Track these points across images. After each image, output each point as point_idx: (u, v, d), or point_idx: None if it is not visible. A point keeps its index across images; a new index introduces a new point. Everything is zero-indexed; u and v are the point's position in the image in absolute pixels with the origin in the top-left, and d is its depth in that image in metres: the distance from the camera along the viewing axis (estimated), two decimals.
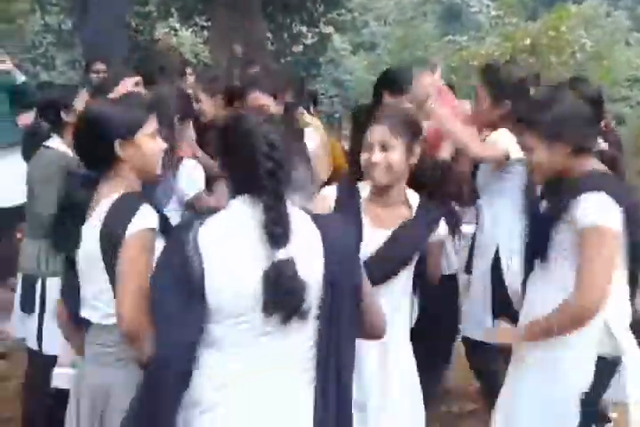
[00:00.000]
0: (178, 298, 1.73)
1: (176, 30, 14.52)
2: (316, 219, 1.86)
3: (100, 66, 5.50)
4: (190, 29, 14.30)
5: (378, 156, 2.49)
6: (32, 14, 14.23)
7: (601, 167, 2.42)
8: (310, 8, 12.55)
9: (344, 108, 16.16)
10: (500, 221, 3.19)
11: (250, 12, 10.34)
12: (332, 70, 17.71)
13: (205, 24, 12.79)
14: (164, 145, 2.20)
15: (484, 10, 18.65)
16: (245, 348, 1.77)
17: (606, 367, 2.30)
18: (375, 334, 2.03)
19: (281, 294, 1.74)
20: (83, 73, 4.36)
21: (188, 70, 5.11)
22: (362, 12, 19.72)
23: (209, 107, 3.69)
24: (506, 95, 3.14)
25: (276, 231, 1.76)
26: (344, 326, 1.83)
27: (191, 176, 3.04)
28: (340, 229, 1.88)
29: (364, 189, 2.61)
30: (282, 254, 1.76)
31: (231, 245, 1.78)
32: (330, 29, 13.51)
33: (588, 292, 2.24)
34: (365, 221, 2.52)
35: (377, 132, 2.52)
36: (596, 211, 2.26)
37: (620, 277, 2.36)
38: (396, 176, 2.50)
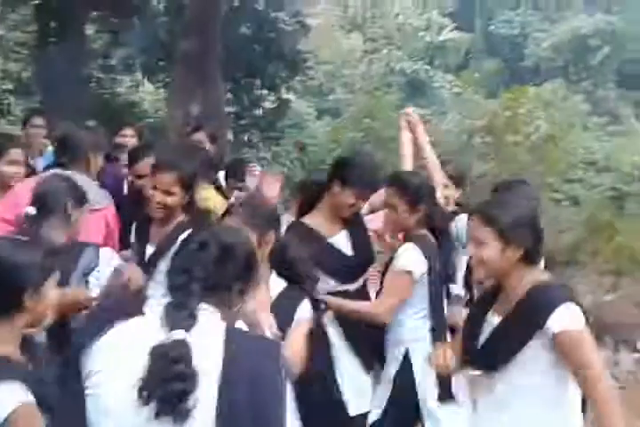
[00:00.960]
0: None
1: (138, 85, 14.47)
2: (231, 332, 1.73)
3: (128, 131, 5.23)
4: (153, 85, 14.30)
5: None
6: None
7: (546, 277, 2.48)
8: (272, 73, 12.64)
9: (305, 171, 16.16)
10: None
11: (210, 73, 10.33)
12: (296, 134, 17.76)
13: (168, 80, 12.79)
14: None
15: (446, 85, 18.99)
16: None
17: None
18: None
19: (164, 378, 1.56)
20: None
21: (129, 131, 4.99)
22: (329, 79, 20.00)
23: None
24: (420, 201, 3.32)
25: (178, 315, 1.64)
26: None
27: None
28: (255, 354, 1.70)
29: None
30: (178, 335, 1.61)
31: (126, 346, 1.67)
32: (291, 95, 13.58)
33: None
34: None
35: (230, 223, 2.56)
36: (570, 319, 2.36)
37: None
38: None
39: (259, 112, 13.16)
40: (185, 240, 2.62)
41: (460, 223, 4.13)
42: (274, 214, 2.71)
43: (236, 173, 4.89)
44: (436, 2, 26.41)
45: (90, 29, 13.17)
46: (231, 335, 1.71)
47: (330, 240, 3.45)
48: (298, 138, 17.50)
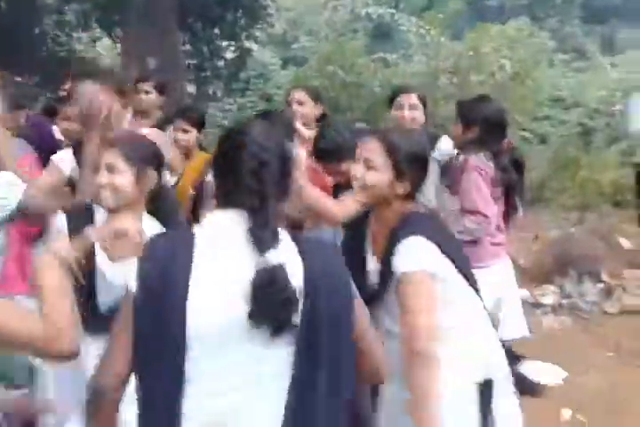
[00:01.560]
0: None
1: (94, 40, 14.15)
2: (295, 237, 1.76)
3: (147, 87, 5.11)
4: (111, 40, 13.98)
5: (104, 178, 2.50)
6: None
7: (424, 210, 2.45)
8: (231, 22, 12.39)
9: None
10: None
11: (165, 24, 10.12)
12: (262, 85, 17.55)
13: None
14: None
15: (412, 29, 18.71)
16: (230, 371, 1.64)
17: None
18: (375, 378, 1.90)
19: (273, 304, 1.61)
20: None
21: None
22: (292, 27, 19.66)
23: None
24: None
25: (264, 235, 1.65)
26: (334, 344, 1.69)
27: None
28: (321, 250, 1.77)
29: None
30: (272, 260, 1.63)
31: (215, 258, 1.67)
32: (252, 44, 13.36)
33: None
34: None
35: (107, 156, 2.50)
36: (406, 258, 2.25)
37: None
38: (124, 201, 2.50)
39: (220, 63, 12.93)
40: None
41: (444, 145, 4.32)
42: (155, 153, 2.62)
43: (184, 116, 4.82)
44: None
45: None
46: (301, 245, 1.74)
47: None
48: (263, 88, 17.33)
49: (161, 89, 5.13)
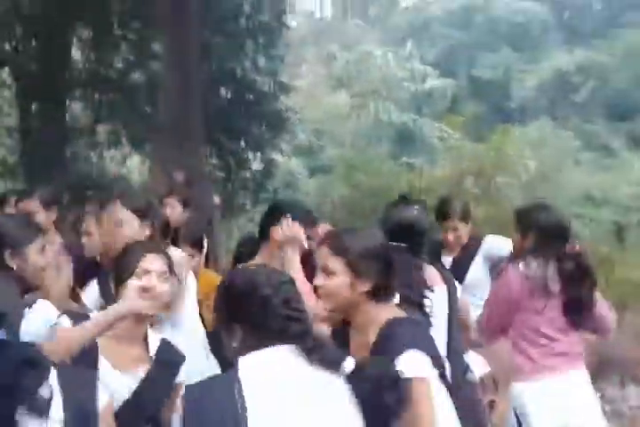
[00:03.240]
0: None
1: (124, 158, 14.57)
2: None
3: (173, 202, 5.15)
4: (140, 157, 14.39)
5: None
6: None
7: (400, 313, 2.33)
8: (256, 134, 12.72)
9: None
10: None
11: (191, 140, 10.34)
12: (290, 193, 17.84)
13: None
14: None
15: (435, 133, 19.11)
16: None
17: None
18: None
19: None
20: None
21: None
22: (318, 137, 20.17)
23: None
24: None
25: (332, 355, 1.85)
26: None
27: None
28: None
29: None
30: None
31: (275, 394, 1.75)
32: (277, 155, 13.64)
33: None
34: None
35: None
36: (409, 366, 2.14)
37: None
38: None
39: (247, 174, 13.18)
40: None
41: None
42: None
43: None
44: (417, 52, 26.89)
45: (74, 106, 13.37)
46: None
47: None
48: (291, 197, 17.56)
49: (185, 203, 5.12)
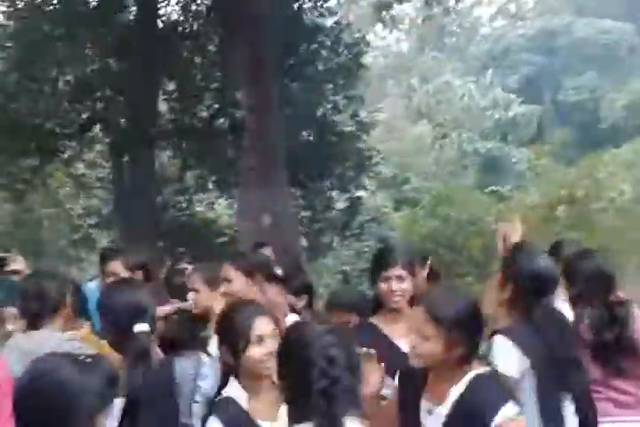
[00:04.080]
0: None
1: (212, 202, 14.88)
2: None
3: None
4: (227, 201, 14.67)
5: None
6: (75, 198, 14.91)
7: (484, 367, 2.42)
8: (339, 174, 12.77)
9: None
10: None
11: (276, 183, 10.46)
12: (375, 228, 17.74)
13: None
14: None
15: (523, 160, 18.72)
16: None
17: None
18: None
19: None
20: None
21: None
22: (402, 169, 20.07)
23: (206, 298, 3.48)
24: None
25: None
26: None
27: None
28: None
29: None
30: None
31: None
32: (361, 191, 13.62)
33: None
34: None
35: None
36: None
37: None
38: None
39: (332, 214, 13.22)
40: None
41: None
42: None
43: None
44: (499, 80, 26.59)
45: (162, 155, 13.82)
46: None
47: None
48: (377, 231, 17.48)
49: (283, 251, 5.17)
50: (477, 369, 2.41)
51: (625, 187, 12.12)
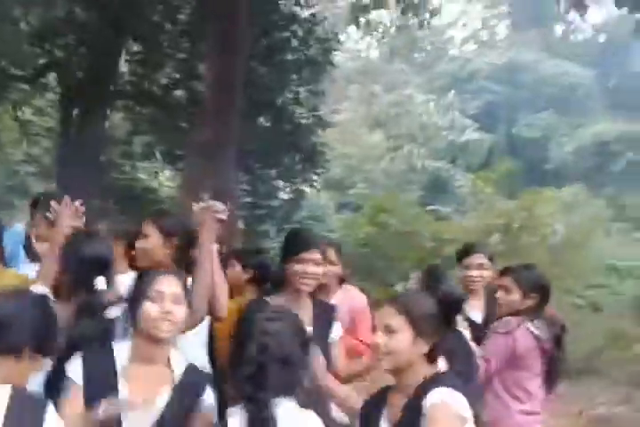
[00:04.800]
0: None
1: (157, 171, 14.62)
2: None
3: None
4: (172, 173, 14.44)
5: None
6: (18, 144, 14.44)
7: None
8: (289, 165, 12.71)
9: None
10: None
11: (224, 163, 10.31)
12: (314, 226, 17.75)
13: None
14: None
15: (467, 185, 18.99)
16: None
17: None
18: None
19: None
20: None
21: None
22: (350, 174, 20.14)
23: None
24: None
25: None
26: None
27: None
28: None
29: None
30: None
31: None
32: (307, 187, 13.60)
33: None
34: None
35: None
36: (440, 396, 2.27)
37: None
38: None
39: (274, 203, 13.14)
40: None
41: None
42: None
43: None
44: (459, 103, 26.94)
45: (114, 116, 13.50)
46: None
47: None
48: (316, 231, 17.42)
49: None
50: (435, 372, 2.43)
51: (559, 227, 12.40)
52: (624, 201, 21.45)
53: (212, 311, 3.09)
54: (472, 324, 3.74)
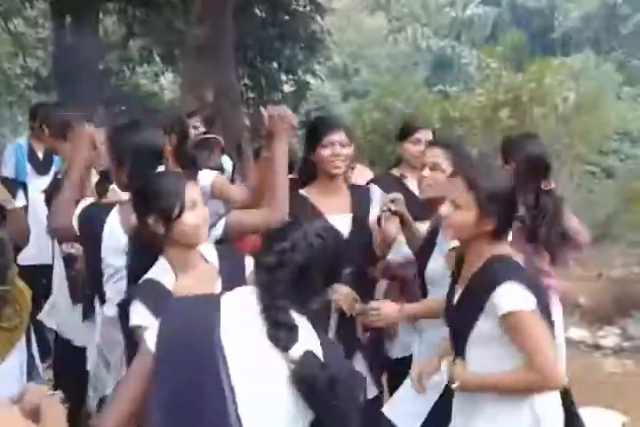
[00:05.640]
0: None
1: (157, 75, 14.43)
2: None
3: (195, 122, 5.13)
4: (172, 74, 14.26)
5: None
6: (14, 58, 14.22)
7: (510, 252, 2.42)
8: (289, 56, 12.46)
9: None
10: None
11: (223, 58, 10.18)
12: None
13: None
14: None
15: (473, 61, 18.60)
16: None
17: None
18: None
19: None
20: None
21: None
22: (353, 60, 19.77)
23: None
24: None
25: (280, 336, 1.76)
26: None
27: None
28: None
29: None
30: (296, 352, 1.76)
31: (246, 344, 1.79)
32: (310, 77, 13.39)
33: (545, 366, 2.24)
34: None
35: None
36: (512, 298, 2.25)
37: None
38: None
39: (279, 96, 12.98)
40: None
41: None
42: None
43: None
44: None
45: (107, 21, 13.19)
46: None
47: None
48: None
49: (208, 122, 5.08)
50: (501, 251, 2.39)
51: (569, 94, 12.24)
52: (634, 64, 21.00)
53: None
54: None
